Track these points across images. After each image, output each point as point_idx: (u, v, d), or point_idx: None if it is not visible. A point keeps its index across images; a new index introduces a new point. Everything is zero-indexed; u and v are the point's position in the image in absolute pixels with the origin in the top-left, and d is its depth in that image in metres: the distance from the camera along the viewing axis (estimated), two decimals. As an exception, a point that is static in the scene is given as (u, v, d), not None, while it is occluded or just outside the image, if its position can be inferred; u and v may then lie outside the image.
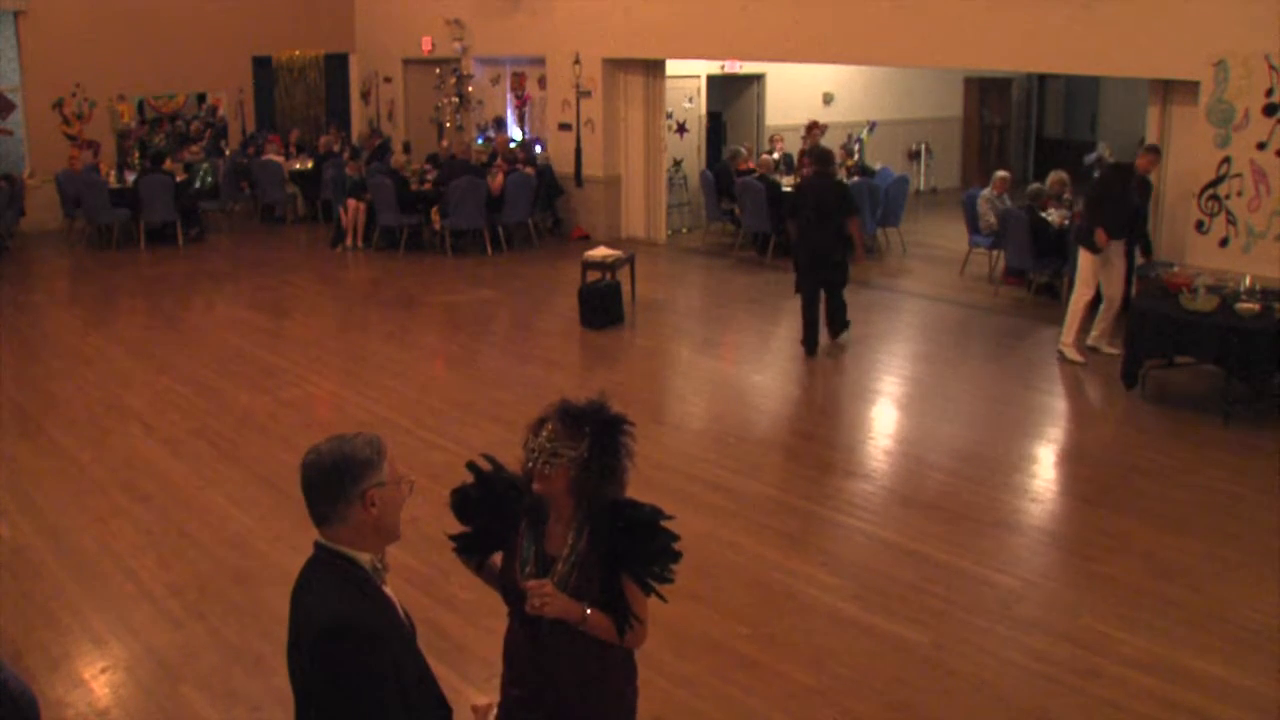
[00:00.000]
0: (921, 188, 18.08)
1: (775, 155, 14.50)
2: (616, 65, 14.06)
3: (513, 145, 15.17)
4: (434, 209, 13.68)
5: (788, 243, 12.81)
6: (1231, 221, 8.81)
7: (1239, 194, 8.74)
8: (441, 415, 7.97)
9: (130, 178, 14.45)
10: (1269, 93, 8.45)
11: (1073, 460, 7.28)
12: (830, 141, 14.24)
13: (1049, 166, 13.45)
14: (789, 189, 13.24)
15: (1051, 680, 4.61)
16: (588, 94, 14.26)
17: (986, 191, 12.17)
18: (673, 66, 14.21)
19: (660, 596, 2.88)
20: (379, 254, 13.87)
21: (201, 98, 17.49)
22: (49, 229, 15.29)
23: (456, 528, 3.05)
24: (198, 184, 15.16)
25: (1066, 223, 10.66)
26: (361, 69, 18.28)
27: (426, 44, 16.46)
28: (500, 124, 16.17)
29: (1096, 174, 10.85)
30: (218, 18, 16.88)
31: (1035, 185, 11.81)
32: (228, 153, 16.83)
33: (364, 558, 2.48)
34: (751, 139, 15.90)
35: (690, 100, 15.56)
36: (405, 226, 13.81)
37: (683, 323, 10.88)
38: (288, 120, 17.99)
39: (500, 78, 16.46)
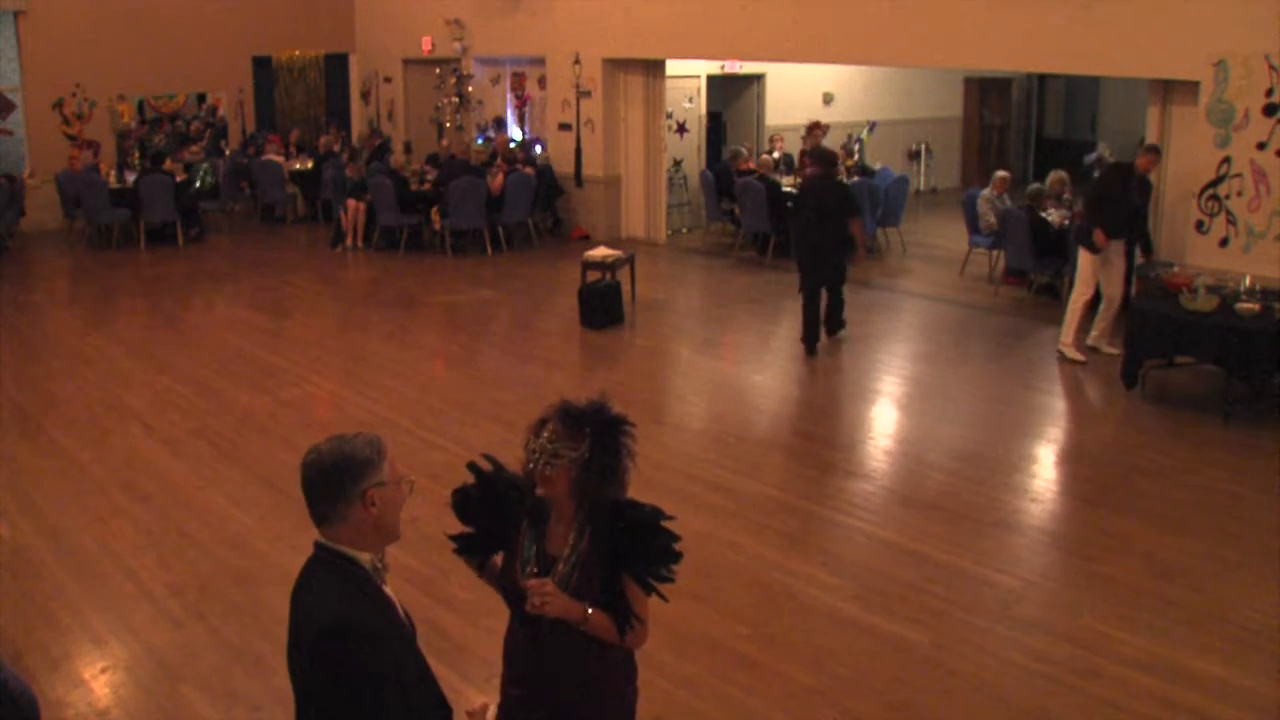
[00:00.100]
0: (921, 188, 18.08)
1: (775, 155, 14.51)
2: (616, 65, 14.06)
3: (513, 145, 15.17)
4: (434, 209, 13.69)
5: (788, 242, 12.90)
6: (1231, 221, 8.81)
7: (1239, 194, 8.74)
8: (441, 415, 7.97)
9: (130, 178, 14.45)
10: (1269, 93, 8.45)
11: (1073, 460, 7.28)
12: (830, 141, 14.25)
13: (1049, 166, 13.45)
14: (789, 189, 13.28)
15: (1051, 680, 4.61)
16: (588, 94, 14.26)
17: (986, 191, 12.17)
18: (673, 66, 14.21)
19: (661, 596, 2.88)
20: (379, 254, 13.87)
21: (201, 98, 17.49)
22: (49, 229, 15.29)
23: (457, 528, 3.05)
24: (198, 184, 15.16)
25: (1066, 223, 10.67)
26: (361, 69, 18.28)
27: (426, 44, 16.46)
28: (500, 124, 16.17)
29: (1096, 174, 10.86)
30: (218, 18, 16.88)
31: (1035, 185, 11.81)
32: (228, 153, 16.83)
33: (364, 557, 2.48)
34: (751, 139, 15.90)
35: (690, 100, 15.56)
36: (405, 226, 13.81)
37: (683, 323, 10.88)
38: (288, 120, 17.99)
39: (500, 78, 16.47)
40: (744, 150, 14.58)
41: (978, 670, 4.70)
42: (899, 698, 4.51)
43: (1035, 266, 11.04)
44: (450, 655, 4.73)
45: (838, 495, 6.59)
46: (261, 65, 17.76)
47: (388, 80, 17.76)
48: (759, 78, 16.13)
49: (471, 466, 3.05)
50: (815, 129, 14.57)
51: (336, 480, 2.43)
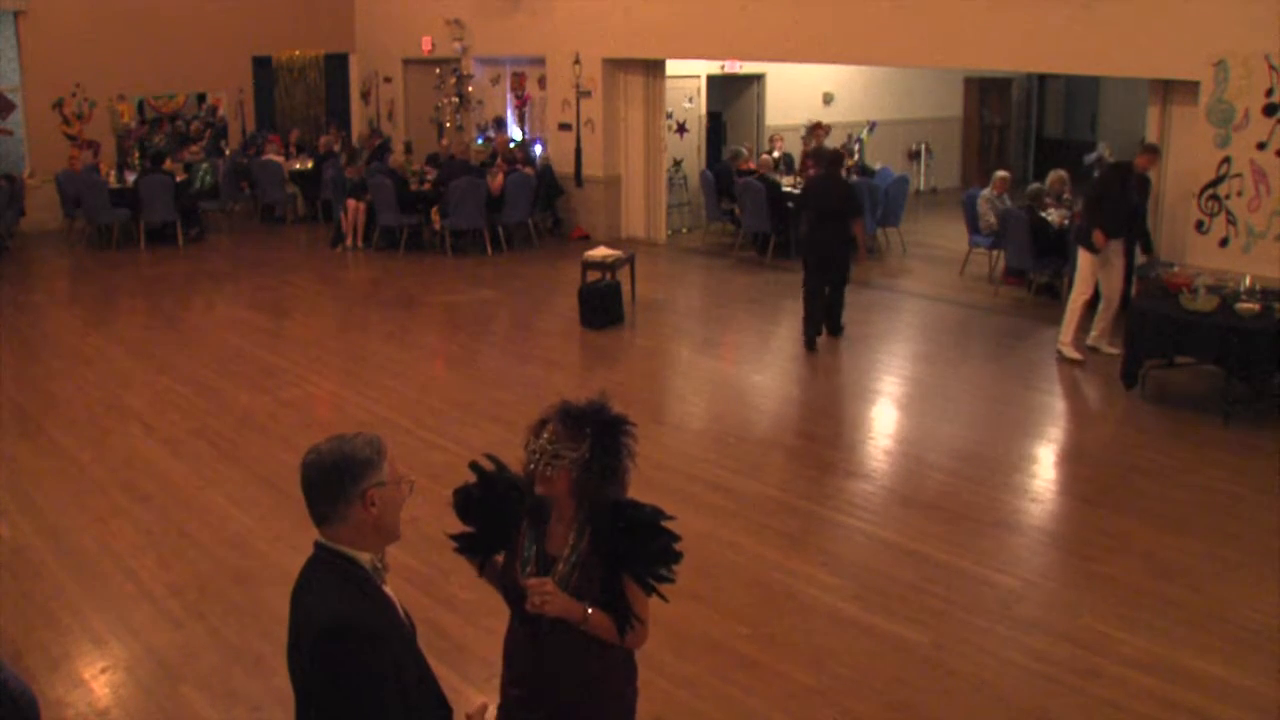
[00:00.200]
0: (921, 188, 18.08)
1: (775, 155, 14.51)
2: (616, 65, 14.06)
3: (512, 145, 15.17)
4: (434, 209, 13.69)
5: (789, 242, 12.97)
6: (1231, 221, 8.81)
7: (1239, 194, 8.74)
8: (441, 415, 7.97)
9: (130, 178, 14.45)
10: (1269, 93, 8.45)
11: (1073, 460, 7.28)
12: (830, 142, 14.27)
13: (1049, 166, 13.45)
14: (789, 189, 13.30)
15: (1051, 680, 4.61)
16: (588, 94, 14.26)
17: (986, 191, 12.17)
18: (673, 66, 14.21)
19: (661, 597, 2.88)
20: (379, 254, 13.87)
21: (201, 98, 17.49)
22: (49, 229, 15.29)
23: (457, 527, 3.05)
24: (198, 184, 15.16)
25: (1066, 222, 10.67)
26: (361, 69, 18.28)
27: (426, 44, 16.46)
28: (500, 124, 16.17)
29: (1096, 174, 10.86)
30: (218, 18, 16.88)
31: (1035, 185, 11.81)
32: (228, 153, 16.82)
33: (364, 557, 2.48)
34: (751, 139, 15.90)
35: (690, 100, 15.56)
36: (405, 226, 13.81)
37: (683, 323, 10.88)
38: (288, 120, 17.99)
39: (500, 78, 16.46)
40: (745, 150, 14.58)
41: (978, 670, 4.70)
42: (899, 698, 4.51)
43: (1035, 266, 11.05)
44: (450, 655, 4.73)
45: (838, 495, 6.59)
46: (261, 65, 17.75)
47: (388, 80, 17.76)
48: (759, 78, 16.13)
49: (473, 466, 3.05)
50: (817, 129, 14.58)
51: (336, 480, 2.43)
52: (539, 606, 2.75)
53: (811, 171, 11.21)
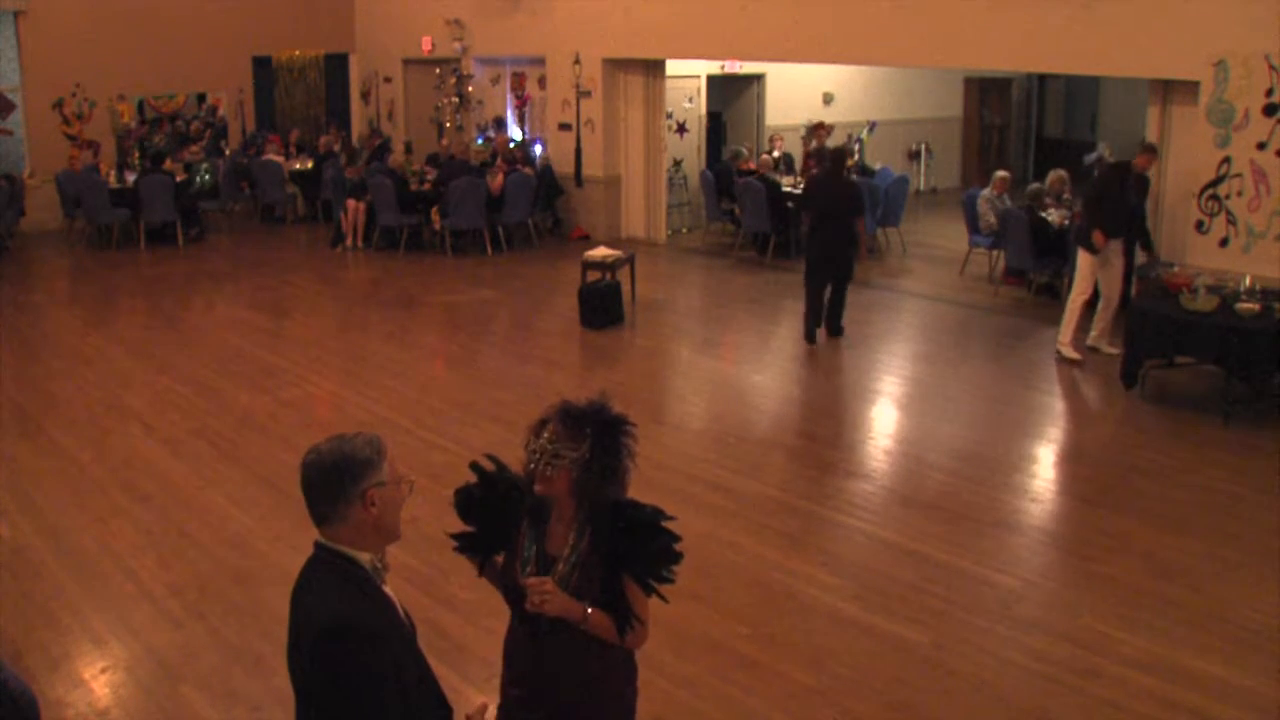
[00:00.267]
0: (921, 188, 18.08)
1: (775, 155, 14.51)
2: (616, 65, 14.06)
3: (512, 145, 15.17)
4: (434, 209, 13.69)
5: (788, 242, 13.00)
6: (1231, 221, 8.81)
7: (1239, 194, 8.74)
8: (441, 415, 7.97)
9: (130, 178, 14.45)
10: (1269, 93, 8.45)
11: (1072, 460, 7.28)
12: (831, 142, 14.25)
13: (1049, 166, 13.44)
14: (789, 189, 13.30)
15: (1051, 680, 4.61)
16: (588, 94, 14.26)
17: (986, 191, 12.17)
18: (673, 66, 14.21)
19: (661, 597, 2.88)
20: (379, 254, 13.87)
21: (201, 98, 17.49)
22: (49, 229, 15.29)
23: (457, 527, 3.05)
24: (198, 184, 15.16)
25: (1066, 222, 10.67)
26: (361, 69, 18.28)
27: (426, 44, 16.46)
28: (500, 124, 16.17)
29: (1096, 174, 10.85)
30: (218, 18, 16.88)
31: (1035, 185, 11.81)
32: (228, 153, 16.82)
33: (364, 557, 2.48)
34: (751, 139, 15.90)
35: (690, 100, 15.56)
36: (405, 226, 13.81)
37: (683, 323, 10.88)
38: (288, 120, 17.99)
39: (500, 78, 16.46)
40: (745, 150, 14.58)
41: (978, 670, 4.70)
42: (899, 698, 4.51)
43: (1035, 266, 11.05)
44: (450, 655, 4.73)
45: (838, 495, 6.59)
46: (261, 65, 17.75)
47: (388, 80, 17.76)
48: (759, 78, 16.13)
49: (474, 466, 3.05)
50: (819, 129, 14.59)
51: (336, 480, 2.43)
52: (538, 606, 2.75)
53: (815, 170, 11.25)
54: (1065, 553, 5.84)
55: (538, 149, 15.31)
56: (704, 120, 15.88)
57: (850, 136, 15.65)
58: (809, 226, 9.74)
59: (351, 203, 13.97)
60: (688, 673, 4.68)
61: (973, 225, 12.27)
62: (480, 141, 15.76)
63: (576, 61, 14.16)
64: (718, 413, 8.21)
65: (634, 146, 14.35)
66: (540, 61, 15.07)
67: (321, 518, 2.47)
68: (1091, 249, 8.81)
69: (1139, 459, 7.07)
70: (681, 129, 15.49)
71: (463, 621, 5.07)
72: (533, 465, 2.82)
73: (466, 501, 3.02)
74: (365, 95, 18.29)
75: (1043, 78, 19.48)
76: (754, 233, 13.63)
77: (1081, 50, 9.64)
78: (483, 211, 13.56)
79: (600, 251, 10.97)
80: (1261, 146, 8.55)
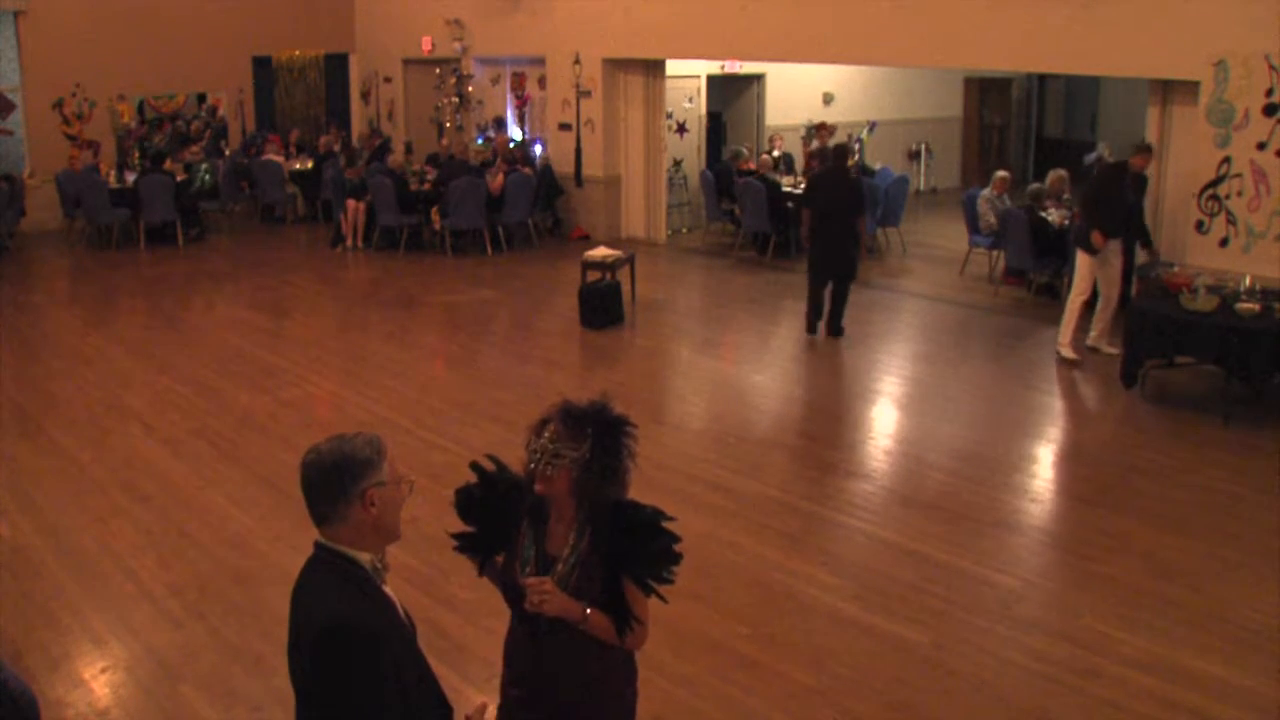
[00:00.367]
0: (921, 188, 18.08)
1: (775, 155, 14.51)
2: (616, 65, 14.06)
3: (512, 145, 15.17)
4: (434, 209, 13.69)
5: (788, 242, 13.01)
6: (1231, 221, 8.81)
7: (1239, 194, 8.74)
8: (441, 415, 7.97)
9: (130, 178, 14.45)
10: (1269, 93, 8.45)
11: (1072, 460, 7.28)
12: (832, 142, 14.24)
13: (1049, 166, 13.44)
14: (789, 189, 13.30)
15: (1051, 680, 4.61)
16: (588, 94, 14.26)
17: (986, 191, 12.18)
18: (673, 66, 14.21)
19: (661, 598, 2.88)
20: (379, 254, 13.87)
21: (201, 98, 17.49)
22: (49, 229, 15.29)
23: (457, 527, 3.05)
24: (198, 184, 15.15)
25: (1066, 222, 10.67)
26: (361, 69, 18.28)
27: (426, 44, 16.47)
28: (500, 124, 16.17)
29: (1093, 174, 10.85)
30: (218, 18, 16.88)
31: (1035, 185, 11.82)
32: (228, 153, 16.82)
33: (364, 557, 2.48)
34: (751, 139, 15.90)
35: (690, 100, 15.56)
36: (405, 226, 13.81)
37: (683, 323, 10.88)
38: (288, 120, 17.99)
39: (500, 78, 16.46)
40: (745, 150, 14.58)
41: (978, 670, 4.70)
42: (899, 698, 4.52)
43: (1035, 266, 11.05)
44: (450, 655, 4.73)
45: (838, 495, 6.59)
46: (261, 65, 17.75)
47: (388, 80, 17.76)
48: (759, 78, 16.13)
49: (474, 466, 3.05)
50: (822, 129, 14.59)
51: (336, 480, 2.43)
52: (537, 606, 2.75)
53: (817, 169, 11.27)
54: (1065, 553, 5.84)
55: (538, 149, 15.32)
56: (704, 120, 15.88)
57: (850, 136, 15.64)
58: (810, 224, 9.74)
59: (351, 203, 13.97)
60: (687, 672, 4.68)
61: (973, 225, 12.28)
62: (480, 141, 15.75)
63: (576, 61, 14.17)
64: (718, 413, 8.21)
65: (634, 146, 14.35)
66: (540, 61, 15.07)
67: (321, 518, 2.47)
68: (1090, 250, 8.81)
69: (1139, 459, 7.07)
70: (681, 129, 15.50)
71: (463, 621, 5.07)
72: (533, 465, 2.82)
73: (466, 501, 3.02)
74: (365, 95, 18.29)
75: (1043, 78, 19.49)
76: (754, 233, 13.63)
77: (1081, 50, 9.64)
78: (483, 211, 13.56)
79: (600, 251, 10.97)
80: (1261, 146, 8.55)
